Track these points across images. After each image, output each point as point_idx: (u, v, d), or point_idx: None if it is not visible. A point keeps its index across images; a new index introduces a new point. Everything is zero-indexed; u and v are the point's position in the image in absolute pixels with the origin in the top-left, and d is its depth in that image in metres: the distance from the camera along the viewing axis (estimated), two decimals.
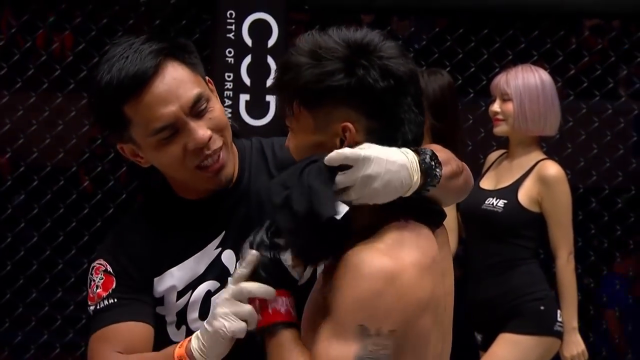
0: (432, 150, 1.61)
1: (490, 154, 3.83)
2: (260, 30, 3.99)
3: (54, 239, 4.53)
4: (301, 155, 1.62)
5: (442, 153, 1.67)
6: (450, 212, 3.57)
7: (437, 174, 1.60)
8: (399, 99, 1.60)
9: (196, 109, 1.79)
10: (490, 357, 3.54)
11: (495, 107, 3.62)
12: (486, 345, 3.59)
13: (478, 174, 3.69)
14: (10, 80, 4.57)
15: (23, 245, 4.53)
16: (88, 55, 4.31)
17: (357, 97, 1.58)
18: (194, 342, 1.68)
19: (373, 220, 1.61)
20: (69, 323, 4.55)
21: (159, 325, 1.87)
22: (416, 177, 1.58)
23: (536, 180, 3.54)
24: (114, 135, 1.86)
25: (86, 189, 5.07)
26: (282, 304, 1.59)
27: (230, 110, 3.92)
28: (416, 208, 1.62)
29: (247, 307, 1.60)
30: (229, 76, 3.97)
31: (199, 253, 1.85)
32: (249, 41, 3.98)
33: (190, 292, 1.85)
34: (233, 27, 3.98)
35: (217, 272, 1.85)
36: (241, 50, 3.98)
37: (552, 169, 3.55)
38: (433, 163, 1.59)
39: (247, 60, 3.98)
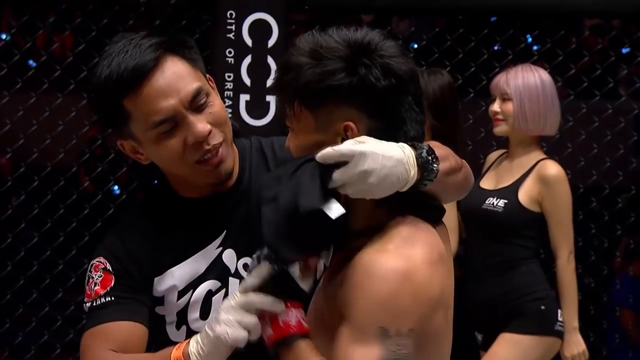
0: (429, 145, 1.61)
1: (490, 153, 3.83)
2: (260, 30, 3.99)
3: (55, 240, 4.53)
4: (302, 155, 1.62)
5: (440, 149, 1.67)
6: (451, 212, 3.57)
7: (435, 168, 1.60)
8: (400, 98, 1.60)
9: (196, 103, 1.80)
10: (491, 356, 3.54)
11: (495, 107, 3.62)
12: (487, 345, 3.59)
13: (478, 174, 3.68)
14: (10, 81, 4.57)
15: (23, 245, 4.52)
16: (88, 55, 4.30)
17: (358, 96, 1.58)
18: (193, 345, 1.67)
19: (375, 217, 1.61)
20: (69, 323, 4.54)
21: (158, 325, 1.87)
22: (413, 171, 1.58)
23: (536, 180, 3.54)
24: (114, 132, 1.86)
25: (86, 190, 5.06)
26: (293, 316, 1.59)
27: (230, 110, 3.92)
28: (415, 203, 1.63)
29: (252, 318, 1.60)
30: (229, 76, 3.97)
31: (200, 252, 1.85)
32: (249, 41, 3.98)
33: (191, 291, 1.85)
34: (233, 27, 3.98)
35: (218, 271, 1.85)
36: (241, 50, 3.98)
37: (553, 168, 3.55)
38: (430, 158, 1.60)
39: (247, 60, 3.98)
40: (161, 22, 4.37)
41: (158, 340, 1.85)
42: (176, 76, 1.79)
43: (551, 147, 4.12)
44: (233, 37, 3.97)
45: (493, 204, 3.55)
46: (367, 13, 6.09)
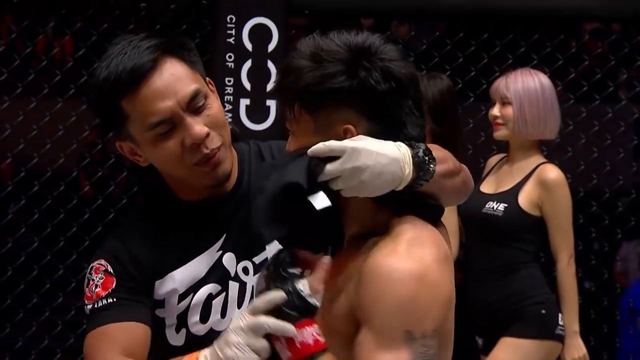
0: (426, 146, 1.61)
1: (490, 158, 3.83)
2: (260, 34, 3.99)
3: (55, 244, 4.53)
4: None
5: (438, 152, 1.67)
6: (451, 216, 3.57)
7: (431, 168, 1.60)
8: (400, 102, 1.60)
9: (193, 105, 1.79)
10: None
11: (495, 111, 3.62)
12: (487, 349, 3.59)
13: (478, 178, 3.69)
14: (10, 86, 4.57)
15: (24, 250, 4.53)
16: (88, 60, 4.31)
17: (358, 99, 1.58)
18: None
19: (376, 218, 1.62)
20: (69, 328, 4.54)
21: (158, 328, 1.86)
22: (408, 170, 1.58)
23: (536, 184, 3.54)
24: (113, 133, 1.86)
25: (87, 194, 5.07)
26: (309, 335, 1.57)
27: (230, 114, 3.92)
28: (415, 203, 1.63)
29: (263, 342, 1.57)
30: (229, 81, 3.97)
31: (201, 256, 1.85)
32: (249, 46, 3.99)
33: (192, 295, 1.84)
34: (233, 31, 3.98)
35: (219, 275, 1.85)
36: (241, 54, 3.98)
37: (552, 172, 3.55)
38: (427, 158, 1.60)
39: (248, 64, 3.99)
40: (161, 26, 4.38)
41: (157, 343, 1.84)
42: (174, 78, 1.79)
43: (551, 151, 4.12)
44: (233, 42, 3.98)
45: (493, 208, 3.55)
46: (367, 17, 6.10)
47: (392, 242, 1.57)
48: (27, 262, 4.50)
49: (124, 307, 1.81)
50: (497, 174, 3.69)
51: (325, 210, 1.55)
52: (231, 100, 3.96)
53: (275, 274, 1.59)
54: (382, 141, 1.57)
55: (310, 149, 1.57)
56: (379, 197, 1.59)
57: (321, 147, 1.56)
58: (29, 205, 4.64)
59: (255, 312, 1.58)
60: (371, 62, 1.58)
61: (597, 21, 6.07)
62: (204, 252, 1.85)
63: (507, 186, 3.60)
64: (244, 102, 3.97)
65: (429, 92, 3.59)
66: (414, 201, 1.63)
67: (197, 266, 1.85)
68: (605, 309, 5.36)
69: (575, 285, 3.56)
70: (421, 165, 1.59)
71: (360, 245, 1.60)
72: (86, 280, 1.86)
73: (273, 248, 1.83)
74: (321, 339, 1.57)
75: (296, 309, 1.57)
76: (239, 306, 1.84)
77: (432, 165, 1.60)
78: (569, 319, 3.52)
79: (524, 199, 3.54)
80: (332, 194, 1.58)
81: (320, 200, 1.56)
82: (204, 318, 1.84)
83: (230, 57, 3.98)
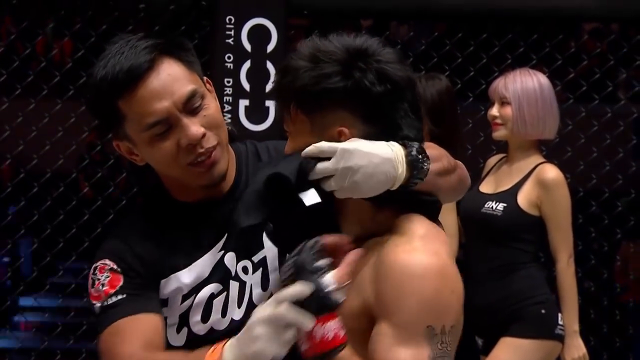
0: (419, 144, 1.61)
1: (489, 158, 3.83)
2: (259, 35, 3.99)
3: (54, 245, 4.53)
4: None
5: (433, 150, 1.67)
6: (450, 217, 3.57)
7: (425, 167, 1.61)
8: (395, 104, 1.60)
9: (190, 106, 1.79)
10: None
11: (494, 111, 3.62)
12: (487, 349, 3.59)
13: (478, 178, 3.69)
14: (9, 87, 4.57)
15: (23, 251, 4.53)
16: (87, 61, 4.31)
17: (353, 100, 1.59)
18: (229, 354, 1.62)
19: (377, 219, 1.62)
20: (70, 329, 4.55)
21: None
22: (401, 169, 1.58)
23: (535, 183, 3.54)
24: (110, 133, 1.86)
25: (86, 195, 5.07)
26: (330, 329, 1.57)
27: (229, 115, 3.92)
28: (413, 202, 1.63)
29: (289, 333, 1.57)
30: (228, 81, 3.97)
31: (204, 256, 1.85)
32: (248, 46, 3.99)
33: (195, 294, 1.85)
34: (232, 32, 3.98)
35: (221, 274, 1.85)
36: (240, 55, 3.98)
37: (552, 172, 3.55)
38: (420, 156, 1.60)
39: (247, 65, 3.99)
40: (160, 27, 4.38)
41: None
42: (171, 78, 1.79)
43: (550, 151, 4.12)
44: (232, 43, 3.98)
45: (492, 207, 3.55)
46: (366, 18, 6.10)
47: (405, 238, 1.58)
48: (27, 262, 4.51)
49: (134, 301, 1.80)
50: (497, 174, 3.69)
51: (314, 206, 1.56)
52: (230, 101, 3.96)
53: (301, 266, 1.58)
54: (374, 142, 1.57)
55: (304, 151, 1.58)
56: (375, 197, 1.60)
57: (312, 148, 1.58)
58: (29, 206, 4.64)
59: (279, 303, 1.58)
60: (366, 64, 1.59)
61: (596, 21, 6.08)
62: (206, 252, 1.85)
63: (506, 186, 3.60)
64: (243, 103, 3.97)
65: (427, 92, 3.59)
66: (411, 199, 1.63)
67: (202, 267, 1.85)
68: (605, 309, 5.36)
69: (575, 285, 3.56)
70: (415, 164, 1.59)
71: (365, 246, 1.61)
72: (90, 281, 1.85)
73: (271, 247, 1.84)
74: (341, 334, 1.57)
75: (319, 304, 1.57)
76: (239, 305, 1.84)
77: (426, 164, 1.61)
78: (569, 318, 3.52)
79: (523, 198, 3.54)
80: (327, 197, 1.58)
81: (310, 197, 1.56)
82: (205, 317, 1.84)
83: (229, 57, 3.98)
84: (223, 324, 1.84)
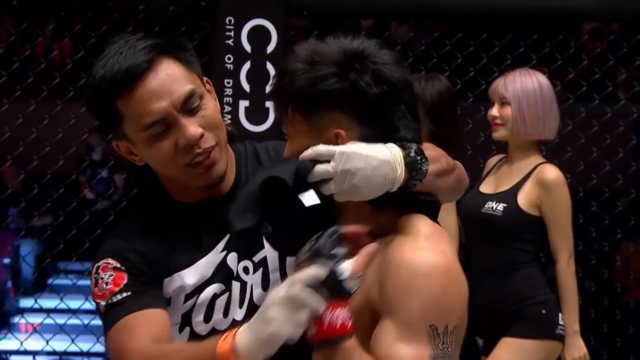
0: (418, 145, 1.61)
1: (489, 158, 3.83)
2: (259, 36, 3.99)
3: (54, 247, 4.53)
4: None
5: (431, 151, 1.67)
6: (450, 217, 3.57)
7: (423, 168, 1.61)
8: (392, 106, 1.60)
9: (188, 106, 1.79)
10: None
11: (494, 111, 3.62)
12: (488, 349, 3.59)
13: (478, 179, 3.69)
14: (9, 89, 4.57)
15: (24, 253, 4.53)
16: (87, 62, 4.31)
17: (349, 101, 1.59)
18: (242, 340, 1.59)
19: (378, 220, 1.63)
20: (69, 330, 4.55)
21: None
22: (400, 170, 1.58)
23: (535, 183, 3.54)
24: (110, 133, 1.86)
25: (86, 197, 5.07)
26: (338, 317, 1.56)
27: (229, 116, 3.92)
28: (413, 202, 1.63)
29: (304, 315, 1.55)
30: (228, 82, 3.97)
31: (207, 256, 1.85)
32: (248, 47, 3.99)
33: (197, 294, 1.85)
34: (232, 33, 3.98)
35: (223, 274, 1.85)
36: (240, 56, 3.98)
37: (552, 172, 3.55)
38: (419, 157, 1.60)
39: (247, 66, 3.99)
40: (160, 28, 4.38)
41: None
42: (169, 78, 1.79)
43: (550, 151, 4.12)
44: (232, 43, 3.98)
45: (492, 208, 3.55)
46: (366, 18, 6.10)
47: (411, 238, 1.58)
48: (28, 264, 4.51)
49: (140, 298, 1.80)
50: (497, 174, 3.69)
51: (314, 207, 1.56)
52: (230, 101, 3.96)
53: (318, 251, 1.58)
54: (373, 144, 1.57)
55: (302, 155, 1.58)
56: (375, 199, 1.60)
57: (309, 151, 1.58)
58: (29, 207, 4.65)
59: (293, 284, 1.56)
60: (363, 65, 1.59)
61: (596, 21, 6.08)
62: (208, 252, 1.85)
63: (506, 186, 3.60)
64: (243, 104, 3.97)
65: (427, 93, 3.59)
66: (411, 200, 1.63)
67: (205, 267, 1.85)
68: (605, 309, 5.36)
69: (575, 285, 3.56)
70: (413, 165, 1.59)
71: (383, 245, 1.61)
72: (93, 280, 1.84)
73: (271, 247, 1.84)
74: (348, 324, 1.57)
75: (332, 289, 1.56)
76: (240, 306, 1.85)
77: (424, 165, 1.61)
78: (569, 318, 3.52)
79: (523, 199, 3.54)
80: (326, 199, 1.58)
81: (309, 198, 1.56)
82: (207, 317, 1.85)
83: (229, 58, 3.98)
84: (225, 324, 1.84)
